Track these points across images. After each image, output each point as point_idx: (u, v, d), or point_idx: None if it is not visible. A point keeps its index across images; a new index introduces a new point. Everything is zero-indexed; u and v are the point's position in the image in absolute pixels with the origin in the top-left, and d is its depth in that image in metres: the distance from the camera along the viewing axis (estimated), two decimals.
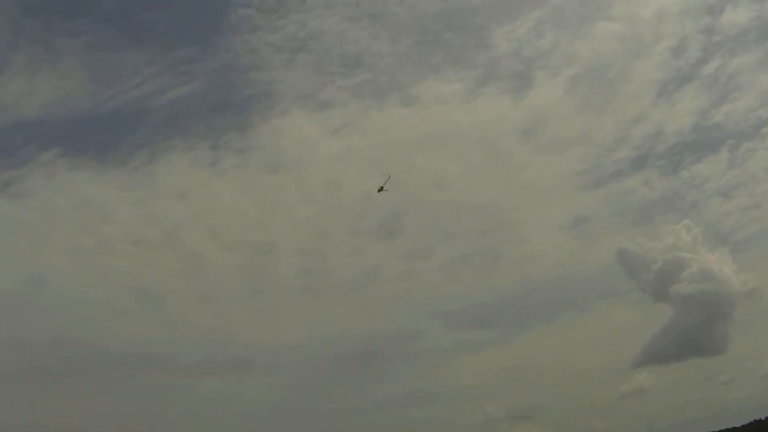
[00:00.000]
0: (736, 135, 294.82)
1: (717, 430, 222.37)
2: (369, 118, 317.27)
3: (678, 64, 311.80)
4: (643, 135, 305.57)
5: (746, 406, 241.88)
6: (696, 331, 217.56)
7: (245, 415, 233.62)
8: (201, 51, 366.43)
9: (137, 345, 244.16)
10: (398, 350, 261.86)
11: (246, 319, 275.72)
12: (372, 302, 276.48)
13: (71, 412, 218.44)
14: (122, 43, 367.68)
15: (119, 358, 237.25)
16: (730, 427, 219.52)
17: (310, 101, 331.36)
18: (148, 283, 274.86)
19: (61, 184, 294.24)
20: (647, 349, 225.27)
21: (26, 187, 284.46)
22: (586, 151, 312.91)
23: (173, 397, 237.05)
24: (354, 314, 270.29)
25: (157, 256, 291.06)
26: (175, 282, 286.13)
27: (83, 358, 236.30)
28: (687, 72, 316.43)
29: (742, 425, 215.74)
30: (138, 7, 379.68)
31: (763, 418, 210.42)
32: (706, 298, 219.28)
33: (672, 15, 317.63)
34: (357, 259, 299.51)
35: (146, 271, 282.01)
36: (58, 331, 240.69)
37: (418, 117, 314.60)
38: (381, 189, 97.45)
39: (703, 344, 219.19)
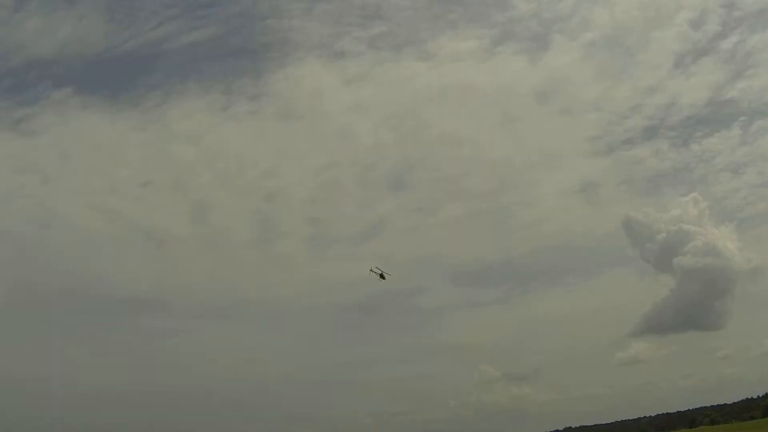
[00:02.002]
0: (750, 112, 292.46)
1: (709, 405, 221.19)
2: (384, 71, 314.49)
3: (697, 36, 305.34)
4: (656, 105, 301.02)
5: (740, 384, 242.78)
6: (696, 304, 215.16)
7: (244, 361, 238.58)
8: None
9: (141, 287, 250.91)
10: (400, 305, 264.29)
11: (250, 266, 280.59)
12: (379, 254, 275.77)
13: (73, 351, 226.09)
14: None
15: (123, 299, 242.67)
16: (722, 403, 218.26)
17: (326, 51, 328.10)
18: (155, 226, 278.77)
19: (72, 123, 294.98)
20: (646, 319, 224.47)
21: (38, 125, 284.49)
22: (599, 117, 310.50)
23: (175, 339, 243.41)
24: (360, 266, 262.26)
25: (166, 199, 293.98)
26: (181, 226, 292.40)
27: (87, 298, 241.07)
28: (705, 45, 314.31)
29: (733, 402, 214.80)
30: None
31: (754, 396, 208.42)
32: (709, 273, 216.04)
33: None
34: (365, 210, 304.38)
35: (154, 213, 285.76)
36: (63, 270, 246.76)
37: (433, 72, 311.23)
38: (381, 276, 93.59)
39: (702, 318, 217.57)
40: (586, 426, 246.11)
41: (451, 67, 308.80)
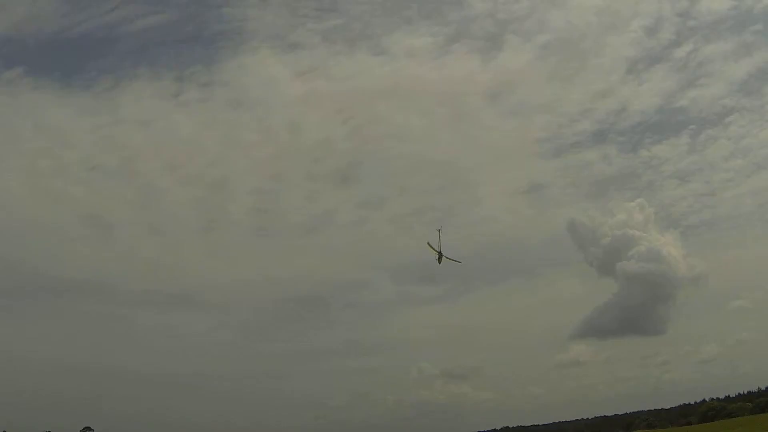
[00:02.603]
0: (700, 121, 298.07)
1: (647, 409, 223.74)
2: (337, 64, 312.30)
3: (651, 43, 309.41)
4: (607, 110, 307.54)
5: (678, 390, 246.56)
6: (638, 309, 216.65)
7: (186, 350, 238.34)
8: None
9: (84, 272, 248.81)
10: (343, 298, 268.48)
11: (195, 254, 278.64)
12: (322, 248, 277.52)
13: (12, 334, 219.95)
14: None
15: (66, 284, 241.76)
16: (660, 408, 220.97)
17: (279, 42, 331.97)
18: (100, 211, 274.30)
19: (22, 103, 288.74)
20: (587, 322, 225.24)
21: None
22: (550, 119, 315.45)
23: (117, 326, 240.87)
24: (303, 259, 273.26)
25: (113, 183, 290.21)
26: (127, 211, 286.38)
27: (30, 281, 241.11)
28: (658, 53, 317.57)
29: (671, 407, 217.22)
30: None
31: (692, 402, 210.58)
32: (652, 278, 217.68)
33: None
34: (311, 203, 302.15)
35: (100, 198, 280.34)
36: (5, 252, 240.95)
37: (386, 68, 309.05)
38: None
39: (643, 323, 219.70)
40: (524, 426, 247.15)
41: (403, 64, 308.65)
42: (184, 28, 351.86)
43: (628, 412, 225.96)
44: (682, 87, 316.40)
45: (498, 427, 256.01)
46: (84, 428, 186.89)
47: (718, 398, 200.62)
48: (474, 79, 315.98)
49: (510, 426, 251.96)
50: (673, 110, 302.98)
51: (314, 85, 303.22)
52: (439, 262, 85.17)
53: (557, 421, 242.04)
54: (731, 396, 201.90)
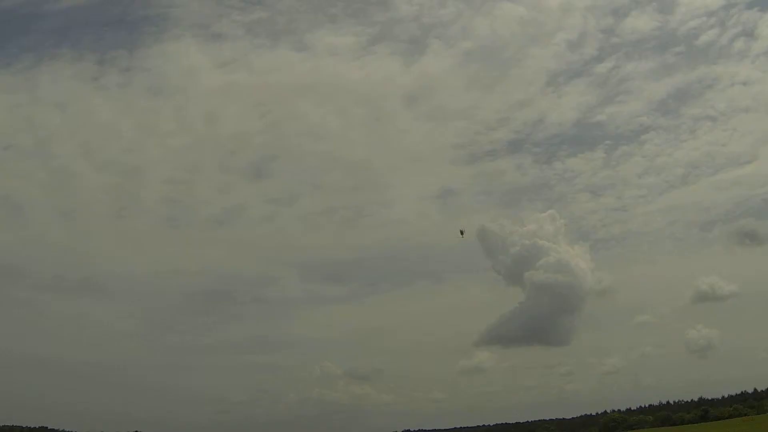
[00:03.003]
0: (615, 137, 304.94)
1: (548, 418, 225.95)
2: (258, 57, 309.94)
3: (573, 57, 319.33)
4: (524, 120, 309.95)
5: (581, 400, 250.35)
6: (543, 319, 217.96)
7: (92, 337, 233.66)
8: None
9: None
10: (251, 294, 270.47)
11: (105, 241, 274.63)
12: (231, 242, 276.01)
13: None
14: None
15: None
16: (561, 417, 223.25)
17: (203, 31, 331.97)
18: (10, 191, 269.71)
19: None
20: (492, 329, 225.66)
21: None
22: (467, 126, 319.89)
23: (23, 311, 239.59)
24: (212, 252, 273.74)
25: (26, 164, 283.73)
26: (39, 194, 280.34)
27: None
28: (579, 67, 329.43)
29: (572, 417, 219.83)
30: None
31: (593, 413, 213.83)
32: (559, 289, 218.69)
33: (577, 9, 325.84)
34: (223, 196, 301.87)
35: (12, 179, 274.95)
36: None
37: (307, 64, 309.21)
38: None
39: (548, 333, 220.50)
40: (425, 430, 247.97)
41: (325, 61, 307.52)
42: (110, 10, 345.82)
43: (530, 421, 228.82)
44: (601, 102, 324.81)
45: (399, 430, 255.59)
46: None
47: (619, 410, 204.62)
48: (394, 81, 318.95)
49: (411, 429, 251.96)
50: (590, 125, 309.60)
51: (234, 77, 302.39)
52: None
53: (459, 426, 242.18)
54: (632, 408, 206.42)
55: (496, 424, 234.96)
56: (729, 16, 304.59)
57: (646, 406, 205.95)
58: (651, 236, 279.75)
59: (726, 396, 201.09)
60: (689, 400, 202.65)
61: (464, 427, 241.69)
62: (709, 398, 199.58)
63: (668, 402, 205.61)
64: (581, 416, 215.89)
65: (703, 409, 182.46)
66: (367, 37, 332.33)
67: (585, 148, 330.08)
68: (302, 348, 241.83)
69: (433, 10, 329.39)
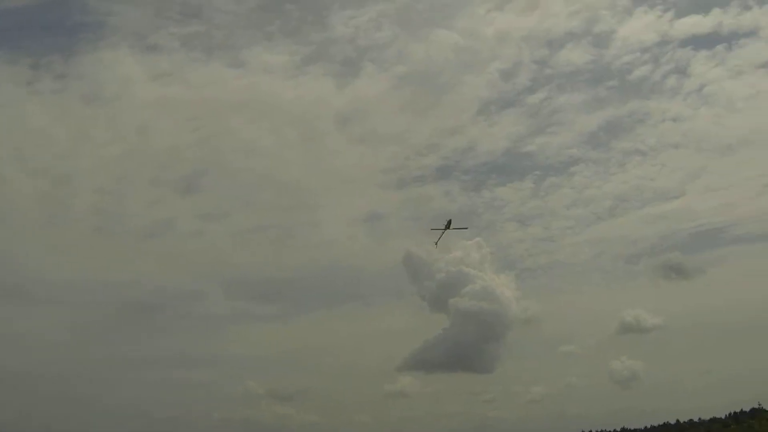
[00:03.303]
0: (545, 167, 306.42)
1: None
2: (193, 71, 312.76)
3: (506, 87, 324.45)
4: (455, 147, 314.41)
5: (504, 428, 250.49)
6: (468, 346, 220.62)
7: (15, 346, 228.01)
8: None
9: None
10: (177, 309, 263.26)
11: (33, 248, 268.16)
12: (160, 255, 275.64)
13: None
14: None
15: None
16: None
17: (140, 41, 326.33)
18: None
19: None
20: (416, 354, 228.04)
21: None
22: (397, 150, 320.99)
23: None
24: (140, 264, 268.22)
25: None
26: None
27: None
28: (512, 97, 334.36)
29: None
30: None
31: None
32: (483, 317, 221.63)
33: (512, 39, 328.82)
34: (153, 209, 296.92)
35: None
36: None
37: (241, 81, 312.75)
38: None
39: (472, 360, 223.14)
40: None
41: (259, 79, 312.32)
42: (48, 14, 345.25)
43: None
44: (532, 133, 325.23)
45: None
46: None
47: None
48: (327, 102, 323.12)
49: None
50: (520, 155, 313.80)
51: (169, 90, 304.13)
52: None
53: None
54: None
55: None
56: (663, 53, 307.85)
57: None
58: (577, 267, 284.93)
59: (648, 426, 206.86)
60: (612, 430, 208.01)
61: None
62: (632, 428, 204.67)
63: (592, 431, 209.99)
64: None
65: None
66: (302, 56, 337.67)
67: (514, 177, 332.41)
68: (227, 366, 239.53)
69: (369, 33, 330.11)
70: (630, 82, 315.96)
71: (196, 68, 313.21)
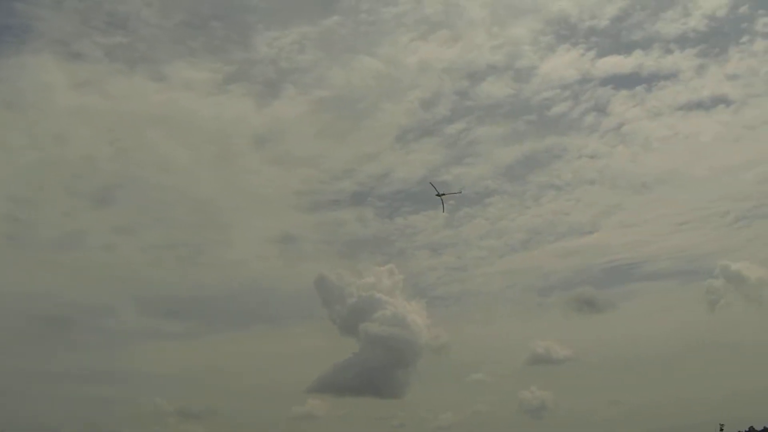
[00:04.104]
0: (460, 198, 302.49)
1: None
2: (114, 83, 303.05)
3: (425, 116, 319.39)
4: (370, 173, 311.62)
5: None
6: (377, 371, 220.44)
7: None
8: None
9: None
10: (87, 323, 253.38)
11: None
12: (71, 268, 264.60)
13: None
14: None
15: None
16: None
17: (63, 48, 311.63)
18: None
19: None
20: (326, 378, 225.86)
21: None
22: (312, 173, 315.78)
23: None
24: (53, 276, 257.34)
25: None
26: None
27: None
28: (431, 126, 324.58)
29: None
30: None
31: None
32: (393, 343, 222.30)
33: (434, 69, 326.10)
34: (66, 220, 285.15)
35: None
36: None
37: (162, 95, 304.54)
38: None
39: (381, 385, 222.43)
40: None
41: (180, 94, 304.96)
42: None
43: None
44: (448, 163, 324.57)
45: None
46: None
47: None
48: (245, 122, 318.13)
49: None
50: (436, 184, 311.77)
51: (89, 99, 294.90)
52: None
53: None
54: None
55: None
56: (583, 91, 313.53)
57: None
58: (489, 297, 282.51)
59: None
60: None
61: None
62: None
63: None
64: None
65: None
66: (223, 74, 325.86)
67: (428, 206, 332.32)
68: (136, 382, 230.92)
69: (291, 55, 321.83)
70: (549, 118, 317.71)
71: (118, 79, 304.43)
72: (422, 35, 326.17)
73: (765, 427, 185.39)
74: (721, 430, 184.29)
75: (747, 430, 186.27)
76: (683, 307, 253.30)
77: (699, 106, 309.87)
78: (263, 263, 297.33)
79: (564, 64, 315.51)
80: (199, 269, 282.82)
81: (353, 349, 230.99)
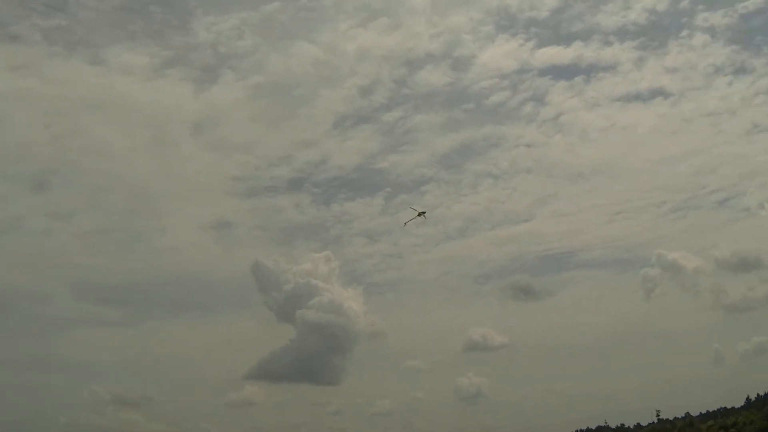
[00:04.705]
0: (396, 185, 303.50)
1: None
2: (52, 66, 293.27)
3: (362, 103, 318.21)
4: (307, 160, 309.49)
5: None
6: (313, 358, 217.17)
7: None
8: None
9: None
10: (23, 309, 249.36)
11: None
12: (7, 254, 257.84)
13: None
14: None
15: None
16: None
17: (1, 30, 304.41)
18: None
19: None
20: (262, 364, 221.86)
21: None
22: (248, 159, 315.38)
23: None
24: None
25: None
26: None
27: None
28: (368, 113, 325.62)
29: None
30: None
31: None
32: (330, 330, 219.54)
33: (373, 57, 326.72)
34: (1, 205, 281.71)
35: None
36: None
37: (99, 80, 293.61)
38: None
39: (317, 372, 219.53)
40: None
41: (117, 79, 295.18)
42: None
43: None
44: (385, 150, 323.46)
45: None
46: None
47: None
48: (182, 107, 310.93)
49: None
50: (372, 171, 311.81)
51: (26, 82, 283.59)
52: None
53: None
54: None
55: None
56: (521, 81, 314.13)
57: None
58: (425, 284, 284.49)
59: None
60: None
61: None
62: None
63: None
64: None
65: None
66: (162, 59, 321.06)
67: (365, 193, 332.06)
68: (73, 369, 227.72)
69: (230, 41, 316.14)
70: (487, 107, 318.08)
71: (56, 63, 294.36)
72: (362, 22, 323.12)
73: (701, 413, 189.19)
74: (658, 416, 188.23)
75: (683, 416, 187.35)
76: (619, 295, 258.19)
77: (637, 97, 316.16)
78: (198, 250, 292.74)
79: (503, 53, 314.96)
80: (135, 256, 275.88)
81: (290, 335, 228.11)
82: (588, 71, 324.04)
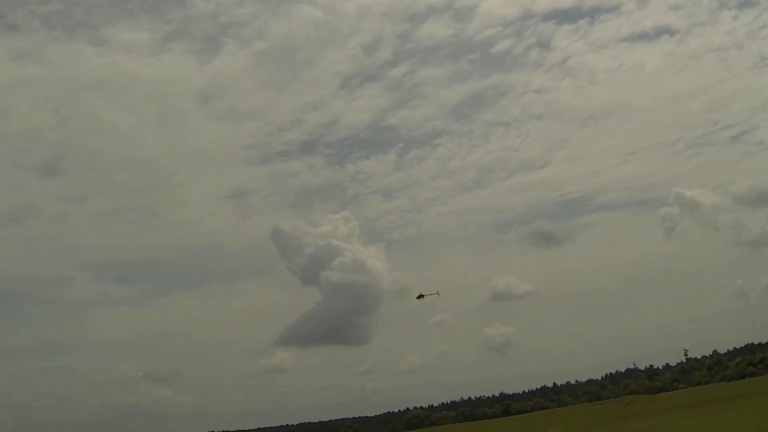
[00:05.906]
0: (408, 140, 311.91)
1: (351, 416, 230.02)
2: (53, 51, 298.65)
3: (367, 61, 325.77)
4: (317, 122, 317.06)
5: (382, 398, 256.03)
6: (341, 319, 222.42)
7: None
8: None
9: None
10: (41, 295, 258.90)
11: None
12: (24, 241, 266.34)
13: None
14: None
15: None
16: (365, 415, 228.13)
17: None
18: None
19: None
20: (290, 329, 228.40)
21: None
22: (259, 126, 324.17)
23: None
24: (4, 251, 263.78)
25: None
26: None
27: None
28: (374, 71, 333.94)
29: (376, 415, 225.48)
30: None
31: (395, 411, 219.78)
32: (355, 289, 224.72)
33: (373, 14, 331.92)
34: (15, 193, 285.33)
35: None
36: None
37: (102, 60, 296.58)
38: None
39: (346, 333, 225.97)
40: (229, 431, 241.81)
41: (119, 57, 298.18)
42: None
43: (333, 419, 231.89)
44: (394, 106, 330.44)
45: None
46: None
47: (422, 407, 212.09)
48: (187, 80, 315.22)
49: (215, 431, 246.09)
50: (383, 128, 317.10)
51: (28, 70, 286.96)
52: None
53: (262, 426, 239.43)
54: (434, 405, 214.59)
55: (300, 424, 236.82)
56: (525, 28, 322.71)
57: (449, 402, 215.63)
58: (445, 238, 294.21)
59: (527, 390, 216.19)
60: (491, 396, 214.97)
61: (268, 427, 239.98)
62: (510, 393, 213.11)
63: (470, 398, 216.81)
64: (384, 414, 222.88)
65: (505, 404, 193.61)
66: (162, 34, 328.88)
67: (377, 150, 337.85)
68: (99, 351, 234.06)
69: (229, 9, 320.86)
70: (492, 56, 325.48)
71: (57, 48, 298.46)
72: None
73: (728, 350, 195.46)
74: (686, 355, 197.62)
75: (711, 354, 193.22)
76: (640, 236, 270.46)
77: (642, 37, 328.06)
78: (216, 220, 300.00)
79: (504, 1, 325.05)
80: (152, 232, 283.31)
81: (316, 298, 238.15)
82: (592, 13, 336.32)
